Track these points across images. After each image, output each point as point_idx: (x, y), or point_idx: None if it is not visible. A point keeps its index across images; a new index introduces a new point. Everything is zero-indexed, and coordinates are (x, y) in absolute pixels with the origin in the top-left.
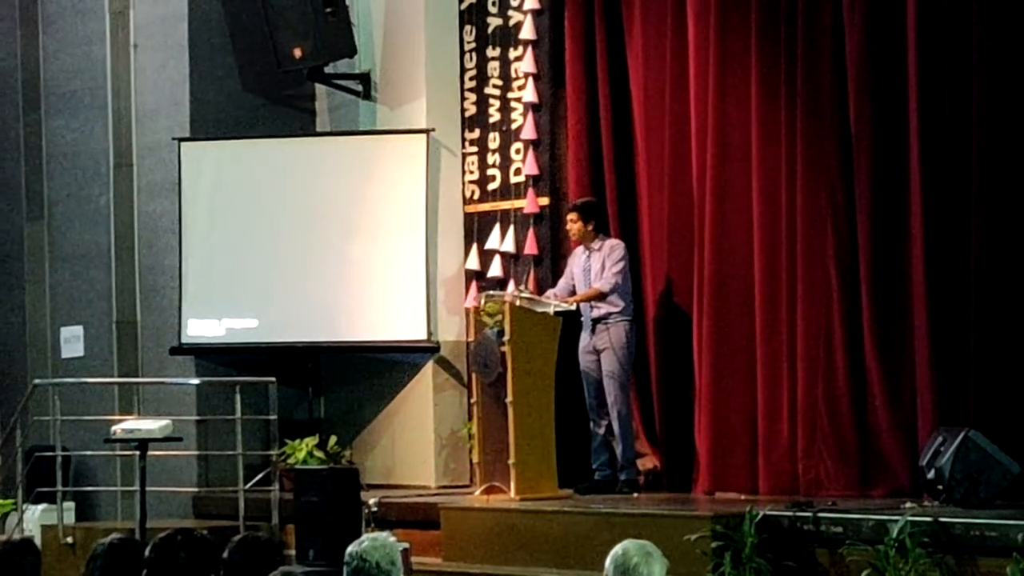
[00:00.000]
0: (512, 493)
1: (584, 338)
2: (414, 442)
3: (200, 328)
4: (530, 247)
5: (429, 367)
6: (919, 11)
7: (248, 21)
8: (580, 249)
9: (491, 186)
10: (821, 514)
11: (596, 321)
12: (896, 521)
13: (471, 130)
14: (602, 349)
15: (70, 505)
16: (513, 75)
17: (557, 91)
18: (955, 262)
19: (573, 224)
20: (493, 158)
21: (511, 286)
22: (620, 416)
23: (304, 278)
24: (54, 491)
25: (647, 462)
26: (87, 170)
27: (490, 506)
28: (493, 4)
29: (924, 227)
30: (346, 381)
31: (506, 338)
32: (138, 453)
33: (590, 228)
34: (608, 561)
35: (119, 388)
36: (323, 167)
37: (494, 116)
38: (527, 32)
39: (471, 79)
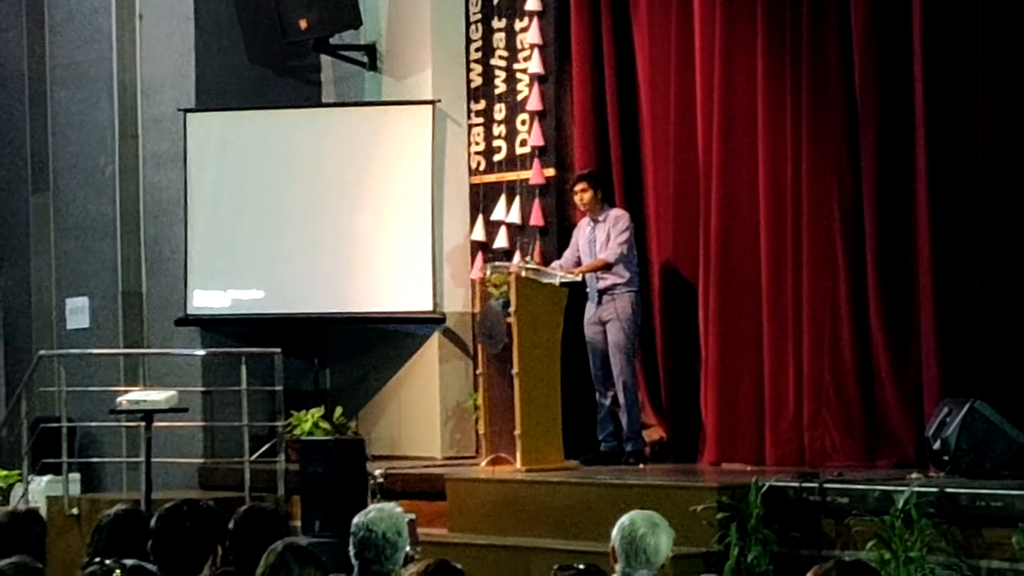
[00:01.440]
0: (518, 464)
1: (589, 309)
2: (420, 413)
3: (206, 299)
4: (536, 218)
5: (435, 338)
6: None
7: None
8: (585, 220)
9: (497, 157)
10: (827, 485)
11: (602, 292)
12: (902, 492)
13: (477, 101)
14: (607, 320)
15: (75, 476)
16: (519, 46)
17: (563, 62)
18: (960, 233)
19: (584, 193)
20: (499, 129)
21: (517, 257)
22: (625, 387)
23: (310, 249)
24: (59, 462)
25: (653, 433)
26: (93, 141)
27: (496, 477)
28: None
29: (929, 199)
30: (352, 352)
31: (512, 309)
32: (144, 424)
33: (599, 197)
34: (615, 532)
35: (125, 359)
36: (328, 138)
37: (500, 87)
38: (533, 3)
39: (477, 50)
